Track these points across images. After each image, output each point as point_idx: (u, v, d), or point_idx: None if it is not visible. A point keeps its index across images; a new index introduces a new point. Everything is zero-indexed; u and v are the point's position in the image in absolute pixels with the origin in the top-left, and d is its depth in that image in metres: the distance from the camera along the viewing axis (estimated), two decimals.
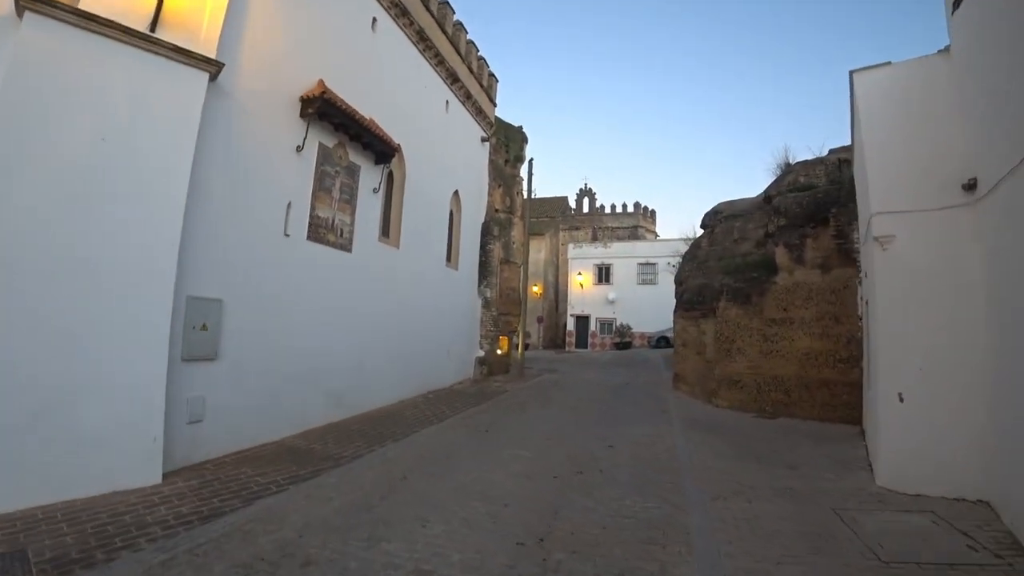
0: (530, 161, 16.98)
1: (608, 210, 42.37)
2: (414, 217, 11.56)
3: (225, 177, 6.77)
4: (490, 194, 15.80)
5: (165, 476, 5.63)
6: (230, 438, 6.70)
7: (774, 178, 13.83)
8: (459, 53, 13.32)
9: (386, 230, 10.76)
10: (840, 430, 8.97)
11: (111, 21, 5.54)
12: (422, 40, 11.59)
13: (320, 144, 8.47)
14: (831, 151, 12.75)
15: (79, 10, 5.42)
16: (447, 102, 13.10)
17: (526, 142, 17.28)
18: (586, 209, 42.96)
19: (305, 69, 8.12)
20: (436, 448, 7.31)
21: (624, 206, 42.15)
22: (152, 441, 5.56)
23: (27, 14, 5.16)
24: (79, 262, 5.21)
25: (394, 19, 10.62)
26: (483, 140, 15.29)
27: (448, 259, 13.55)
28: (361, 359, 9.42)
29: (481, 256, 15.41)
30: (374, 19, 10.01)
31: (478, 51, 14.47)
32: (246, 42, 7.13)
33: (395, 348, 10.61)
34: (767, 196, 13.18)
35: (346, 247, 9.07)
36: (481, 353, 15.23)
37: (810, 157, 12.99)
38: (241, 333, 6.90)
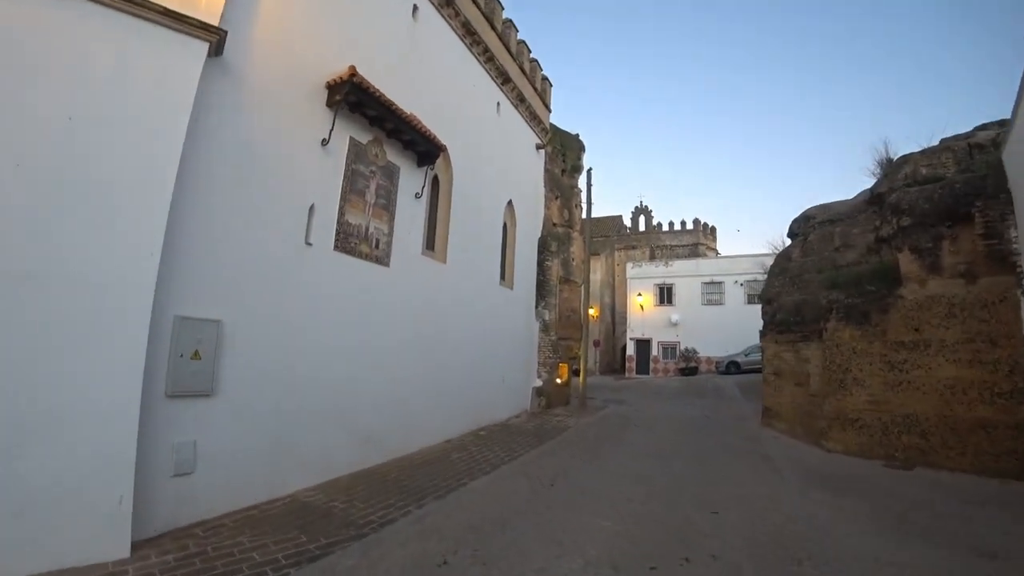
0: (588, 171, 15.29)
1: (666, 227, 39.90)
2: (463, 228, 10.04)
3: (231, 171, 5.43)
4: (547, 206, 14.17)
5: (136, 546, 4.20)
6: (229, 493, 5.19)
7: (878, 176, 11.47)
8: (510, 52, 11.93)
9: (431, 242, 9.28)
10: (1018, 490, 6.59)
11: None
12: (469, 34, 10.24)
13: (351, 139, 7.10)
14: (944, 140, 10.35)
15: None
16: (498, 104, 11.67)
17: (583, 151, 15.63)
18: (642, 227, 40.62)
19: (333, 54, 6.81)
20: (488, 511, 5.52)
21: (683, 223, 39.56)
22: (118, 502, 4.13)
23: None
24: (24, 276, 3.90)
25: (437, 8, 9.31)
26: (538, 147, 13.75)
27: (502, 277, 11.94)
28: (399, 392, 7.84)
29: (538, 274, 13.71)
30: (415, 6, 8.71)
31: (530, 52, 13.06)
32: (262, 16, 5.88)
33: (441, 378, 8.99)
34: (875, 194, 10.84)
35: (382, 260, 7.61)
36: (539, 382, 13.40)
37: (916, 149, 10.56)
38: (246, 362, 5.45)
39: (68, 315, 4.05)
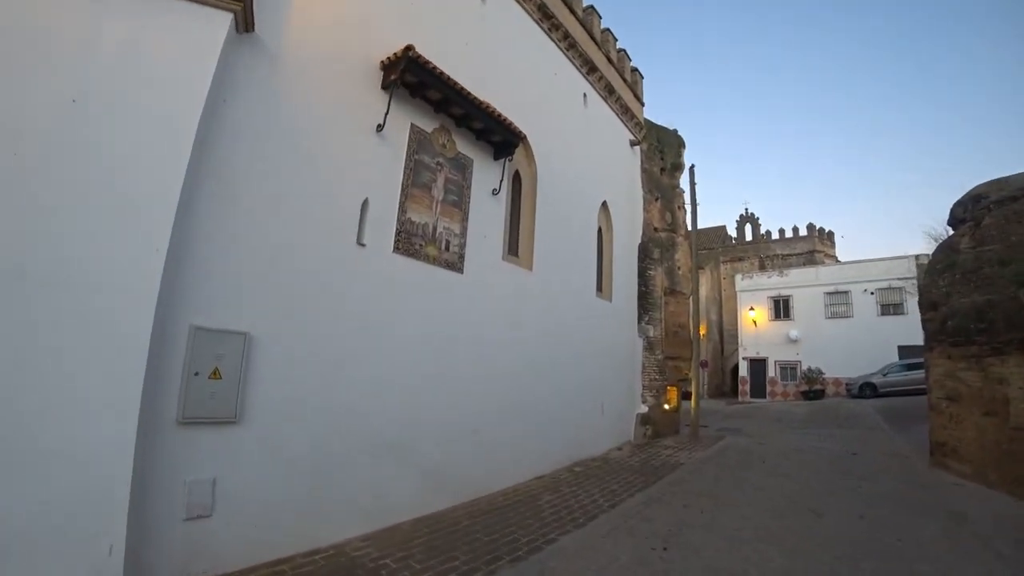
0: (691, 169, 13.28)
1: (775, 235, 35.73)
2: (551, 231, 8.65)
3: (264, 160, 4.53)
4: (646, 209, 12.41)
5: None
6: (256, 542, 4.09)
7: None
8: (593, 39, 10.55)
9: (513, 247, 8.00)
10: None
11: None
12: (546, 17, 9.01)
13: (413, 127, 6.06)
14: None
15: None
16: (585, 95, 10.28)
17: (683, 147, 13.69)
18: (749, 237, 36.77)
19: (390, 32, 5.82)
20: None
21: (795, 229, 35.21)
22: (107, 552, 3.18)
23: None
24: (9, 273, 3.15)
25: None
26: (633, 144, 12.13)
27: (599, 288, 10.35)
28: (476, 422, 6.51)
29: (640, 285, 11.91)
30: None
31: (616, 40, 11.59)
32: None
33: (528, 406, 7.54)
34: None
35: (454, 265, 6.41)
36: (644, 409, 11.46)
37: None
38: (281, 383, 4.41)
39: (53, 321, 3.23)
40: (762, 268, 32.50)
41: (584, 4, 10.49)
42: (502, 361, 7.10)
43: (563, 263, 9.00)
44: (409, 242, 5.79)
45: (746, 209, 43.86)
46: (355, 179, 5.32)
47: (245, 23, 4.51)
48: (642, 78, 12.78)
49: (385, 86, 5.73)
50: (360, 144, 5.43)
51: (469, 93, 6.31)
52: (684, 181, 13.67)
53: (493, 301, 7.07)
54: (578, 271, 9.52)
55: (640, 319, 11.93)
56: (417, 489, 5.51)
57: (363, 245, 5.29)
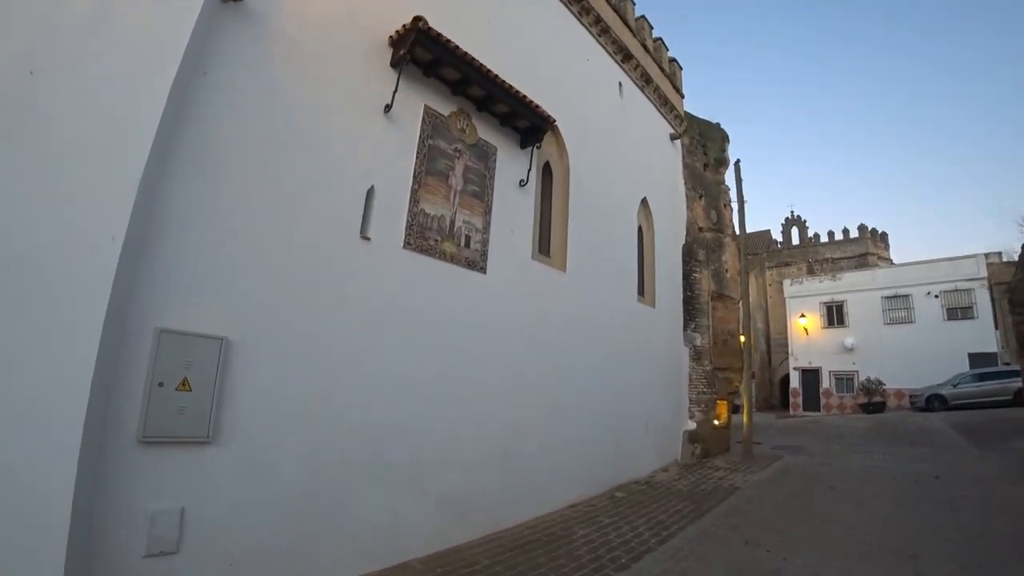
0: (736, 164, 12.16)
1: (824, 239, 33.54)
2: (586, 229, 7.79)
3: (250, 136, 3.91)
4: (690, 207, 11.38)
5: None
6: None
7: None
8: (628, 26, 9.70)
9: (544, 245, 7.19)
10: None
11: None
12: (574, 0, 8.24)
13: (427, 108, 5.37)
14: None
15: None
16: (620, 84, 9.42)
17: (727, 141, 12.57)
18: (796, 240, 34.69)
19: (401, 6, 5.17)
20: None
21: (844, 231, 32.98)
22: None
23: None
24: None
25: None
26: (673, 138, 11.15)
27: (640, 292, 9.38)
28: (501, 441, 5.68)
29: (685, 289, 10.84)
30: None
31: (652, 28, 10.70)
32: None
33: (561, 423, 6.64)
34: None
35: (476, 264, 5.66)
36: (692, 425, 10.32)
37: None
38: (264, 396, 3.73)
39: None
40: (811, 273, 30.43)
41: None
42: (531, 373, 6.26)
43: (600, 264, 8.11)
44: (423, 236, 5.07)
45: (792, 211, 41.65)
46: (359, 164, 4.65)
47: None
48: (681, 69, 11.81)
49: (394, 63, 5.08)
50: (365, 125, 4.78)
51: (490, 71, 5.60)
52: (729, 178, 12.57)
53: (521, 305, 6.25)
54: (617, 273, 8.59)
55: (686, 326, 10.84)
56: (430, 520, 4.70)
57: (367, 239, 4.60)
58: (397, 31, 5.03)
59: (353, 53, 4.81)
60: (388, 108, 4.92)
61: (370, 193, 4.70)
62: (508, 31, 6.73)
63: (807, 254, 33.23)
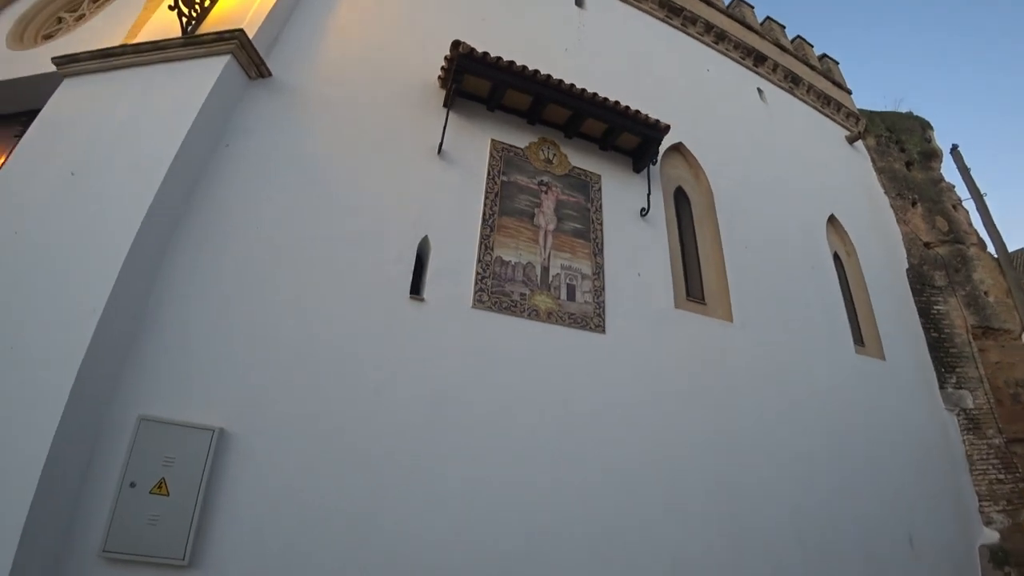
0: (953, 150, 8.63)
1: None
2: (752, 262, 5.52)
3: (271, 205, 3.20)
4: (902, 219, 8.11)
5: None
6: None
7: None
8: (750, 28, 7.86)
9: (694, 289, 5.13)
10: None
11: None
12: (674, 13, 6.82)
13: (495, 143, 4.20)
14: None
15: (99, 51, 3.70)
16: (759, 89, 7.39)
17: (929, 129, 9.15)
18: None
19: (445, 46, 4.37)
20: None
21: None
22: None
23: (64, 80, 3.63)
24: None
25: None
26: (850, 140, 8.38)
27: (858, 339, 6.38)
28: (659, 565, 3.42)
29: (927, 329, 7.30)
30: None
31: (783, 27, 8.66)
32: (342, 17, 4.00)
33: (758, 557, 4.03)
34: None
35: (588, 320, 3.90)
36: (993, 536, 6.15)
37: None
38: (269, 507, 2.52)
39: None
40: None
41: None
42: (693, 479, 3.90)
43: (785, 305, 5.59)
44: (501, 291, 3.59)
45: None
46: (407, 215, 3.54)
47: (258, 70, 3.64)
48: (837, 63, 9.29)
49: (447, 102, 4.12)
50: (412, 173, 3.73)
51: (572, 85, 4.31)
52: (949, 172, 8.97)
53: (665, 373, 4.16)
54: (812, 317, 5.88)
55: (942, 383, 7.06)
56: None
57: (421, 299, 3.29)
58: (442, 67, 4.14)
59: (396, 101, 4.01)
60: (440, 149, 3.86)
61: (423, 246, 3.49)
62: (596, 56, 5.55)
63: None
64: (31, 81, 4.16)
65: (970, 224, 8.44)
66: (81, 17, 5.11)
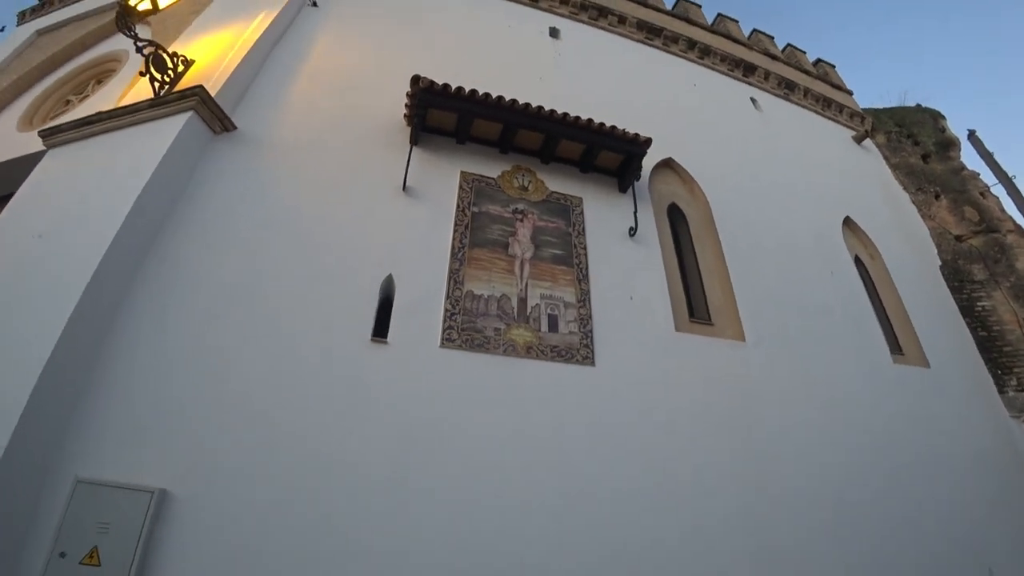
0: (971, 136, 8.02)
1: None
2: (762, 274, 5.06)
3: (228, 254, 3.05)
4: (926, 214, 7.50)
5: None
6: None
7: None
8: (736, 41, 7.64)
9: (698, 309, 4.70)
10: None
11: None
12: (654, 34, 6.69)
13: (464, 175, 4.01)
14: None
15: (78, 120, 3.76)
16: (752, 99, 7.07)
17: (942, 118, 8.57)
18: None
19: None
20: None
21: None
22: None
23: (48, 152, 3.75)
24: None
25: (591, 22, 6.31)
26: (858, 139, 7.91)
27: (895, 347, 5.74)
28: None
29: (974, 328, 6.55)
30: (552, 28, 5.94)
31: (772, 38, 8.41)
32: (314, 61, 4.01)
33: None
34: None
35: (574, 352, 3.53)
36: None
37: None
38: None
39: None
40: None
41: (711, 14, 7.96)
42: (718, 515, 3.41)
43: (805, 318, 5.06)
44: (472, 327, 3.29)
45: None
46: (369, 255, 3.33)
47: (222, 124, 3.61)
48: (833, 66, 8.95)
49: (414, 140, 3.99)
50: (375, 212, 3.55)
51: (539, 108, 4.13)
52: (971, 159, 8.33)
53: (667, 401, 3.70)
54: (840, 327, 5.29)
55: (1001, 387, 6.22)
56: None
57: (383, 342, 3.01)
58: (406, 103, 4.03)
59: (363, 142, 3.92)
60: (404, 186, 3.68)
61: (388, 285, 3.26)
62: (571, 81, 5.41)
63: None
64: (27, 160, 4.24)
65: (1003, 210, 7.71)
66: (85, 98, 5.31)
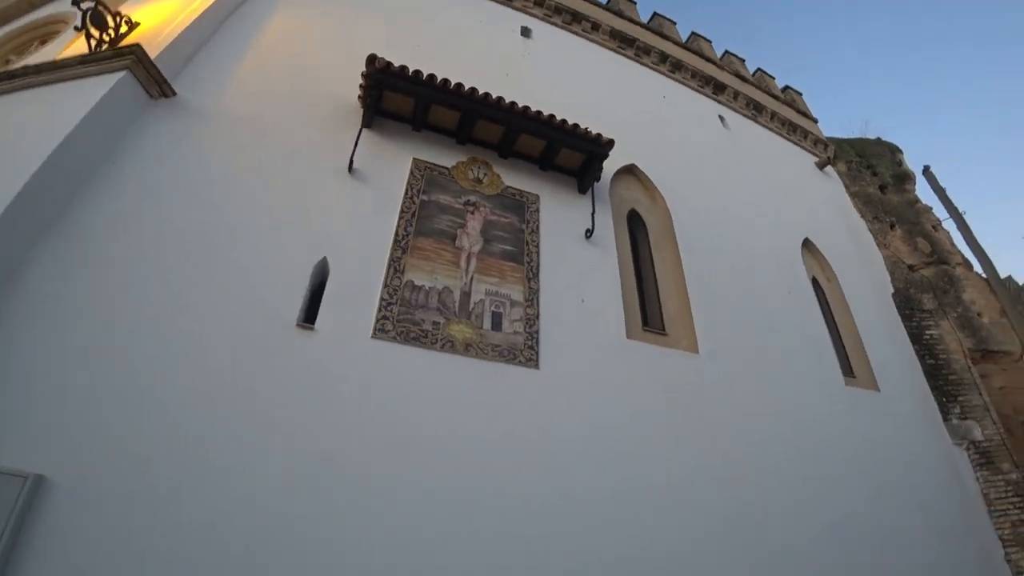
0: (925, 171, 8.28)
1: None
2: (719, 288, 4.98)
3: (146, 229, 2.75)
4: (882, 243, 7.65)
5: None
6: None
7: None
8: (708, 59, 7.73)
9: (652, 318, 4.59)
10: None
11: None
12: (626, 43, 6.68)
13: (416, 162, 3.81)
14: None
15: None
16: (720, 116, 7.13)
17: (899, 152, 8.87)
18: None
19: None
20: None
21: None
22: None
23: None
24: None
25: (564, 26, 6.26)
26: (820, 165, 8.07)
27: (847, 370, 5.74)
28: None
29: (921, 355, 6.67)
30: (524, 28, 5.85)
31: (743, 60, 8.57)
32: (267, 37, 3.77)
33: None
34: None
35: (517, 353, 3.33)
36: None
37: None
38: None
39: None
40: None
41: (686, 32, 8.04)
42: (659, 536, 3.24)
43: (760, 335, 5.00)
44: (410, 319, 3.07)
45: None
46: (303, 238, 3.08)
47: (160, 89, 3.33)
48: (800, 94, 9.16)
49: (367, 122, 3.78)
50: (318, 192, 3.32)
51: (500, 99, 3.98)
52: (925, 194, 8.60)
53: (614, 410, 3.52)
54: (795, 345, 5.27)
55: (946, 414, 6.33)
56: None
57: (311, 328, 2.76)
58: (360, 84, 3.82)
59: (312, 121, 3.68)
60: (351, 168, 3.47)
61: (320, 269, 3.02)
62: (538, 79, 5.30)
63: None
64: None
65: (953, 244, 7.95)
66: (26, 58, 4.94)
